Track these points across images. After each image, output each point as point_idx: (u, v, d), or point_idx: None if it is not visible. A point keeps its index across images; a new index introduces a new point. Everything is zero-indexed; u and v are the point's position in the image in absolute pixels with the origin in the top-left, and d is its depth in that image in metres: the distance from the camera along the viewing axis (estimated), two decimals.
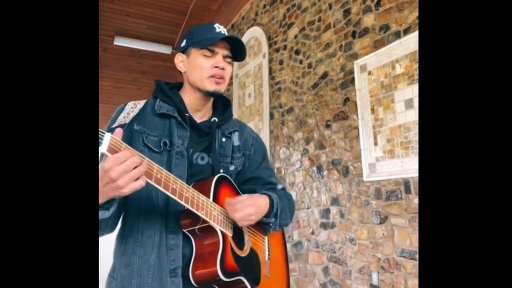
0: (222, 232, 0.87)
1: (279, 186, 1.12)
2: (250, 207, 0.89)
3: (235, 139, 1.07)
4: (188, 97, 1.01)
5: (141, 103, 0.98)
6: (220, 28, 0.99)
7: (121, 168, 0.67)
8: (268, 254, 1.03)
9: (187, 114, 0.98)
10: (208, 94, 0.98)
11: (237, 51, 1.02)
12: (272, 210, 0.97)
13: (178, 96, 1.01)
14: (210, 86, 0.96)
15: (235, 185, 1.01)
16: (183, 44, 1.02)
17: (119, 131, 0.71)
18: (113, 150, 0.68)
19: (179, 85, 1.06)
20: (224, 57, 0.99)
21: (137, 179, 0.70)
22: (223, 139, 1.04)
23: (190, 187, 0.84)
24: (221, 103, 1.11)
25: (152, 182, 0.73)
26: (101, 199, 0.71)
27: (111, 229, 0.89)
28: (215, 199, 0.89)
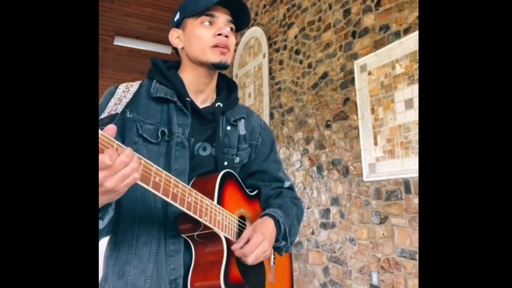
0: (226, 239, 0.78)
1: (287, 184, 1.01)
2: (262, 243, 0.78)
3: (241, 127, 0.95)
4: (188, 75, 0.89)
5: (134, 86, 0.86)
6: None
7: (106, 171, 0.57)
8: (274, 258, 0.93)
9: (188, 99, 0.86)
10: (213, 66, 0.86)
11: (239, 16, 0.89)
12: (280, 232, 0.86)
13: (177, 77, 0.89)
14: (215, 57, 0.84)
15: (241, 182, 0.91)
16: (177, 17, 0.90)
17: (111, 128, 0.61)
18: (103, 151, 0.58)
19: (178, 64, 0.93)
20: (226, 23, 0.87)
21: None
22: (228, 128, 0.92)
23: (192, 189, 0.74)
24: (225, 86, 0.98)
25: (149, 188, 0.64)
26: None
27: (108, 234, 0.81)
28: (219, 200, 0.79)
